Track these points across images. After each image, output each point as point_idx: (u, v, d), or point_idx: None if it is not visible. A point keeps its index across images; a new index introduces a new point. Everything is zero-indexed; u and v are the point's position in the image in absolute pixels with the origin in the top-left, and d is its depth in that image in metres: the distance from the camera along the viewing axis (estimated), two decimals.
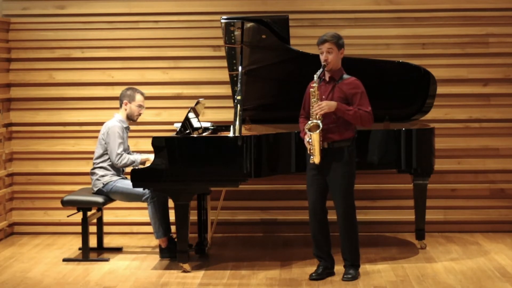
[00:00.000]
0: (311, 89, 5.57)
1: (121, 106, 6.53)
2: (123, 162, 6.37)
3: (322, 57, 5.61)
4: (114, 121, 6.48)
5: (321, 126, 5.48)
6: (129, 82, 7.13)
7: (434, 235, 7.08)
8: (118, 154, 6.36)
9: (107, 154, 6.44)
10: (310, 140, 5.52)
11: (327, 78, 5.65)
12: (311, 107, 5.56)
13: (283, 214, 7.30)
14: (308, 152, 5.56)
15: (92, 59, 7.30)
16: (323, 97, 5.59)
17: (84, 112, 7.31)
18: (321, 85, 5.65)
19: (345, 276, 5.68)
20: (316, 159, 5.53)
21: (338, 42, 5.62)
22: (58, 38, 7.30)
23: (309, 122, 5.53)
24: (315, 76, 5.56)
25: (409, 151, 6.33)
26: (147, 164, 6.08)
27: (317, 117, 5.52)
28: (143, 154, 6.47)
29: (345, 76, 5.66)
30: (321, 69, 5.58)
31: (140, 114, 6.57)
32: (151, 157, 6.27)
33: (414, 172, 6.48)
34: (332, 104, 5.52)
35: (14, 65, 7.34)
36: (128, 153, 6.62)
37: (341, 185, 5.64)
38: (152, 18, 7.26)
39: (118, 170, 6.50)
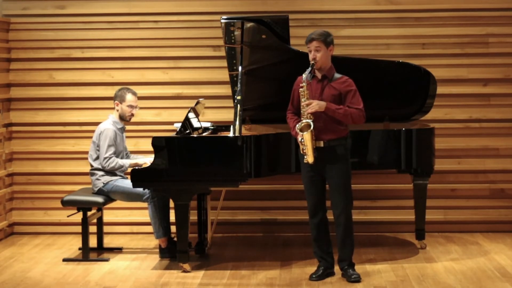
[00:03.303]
0: (300, 89, 5.55)
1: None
2: (111, 165, 6.36)
3: (310, 56, 5.58)
4: (108, 123, 6.47)
5: (312, 125, 5.47)
6: (129, 82, 7.13)
7: (434, 235, 7.08)
8: (105, 158, 6.35)
9: None
10: (302, 140, 5.52)
11: (319, 77, 5.62)
12: (301, 107, 5.55)
13: (283, 214, 7.30)
14: (301, 152, 5.55)
15: (92, 59, 7.30)
16: (316, 95, 5.57)
17: (84, 112, 7.31)
18: (312, 83, 5.61)
19: (353, 277, 5.64)
20: (309, 158, 5.52)
21: (326, 40, 5.57)
22: (58, 38, 7.30)
23: (300, 122, 5.52)
24: (304, 75, 5.54)
25: (409, 151, 6.33)
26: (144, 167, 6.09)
27: (308, 116, 5.51)
28: (139, 159, 6.44)
29: (337, 75, 5.64)
30: (309, 68, 5.55)
31: (132, 114, 6.55)
32: (141, 161, 6.30)
33: (414, 172, 6.48)
34: (322, 103, 5.50)
35: (14, 65, 7.34)
36: (126, 154, 6.63)
37: (341, 182, 5.64)
38: (152, 18, 7.27)
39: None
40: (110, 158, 6.35)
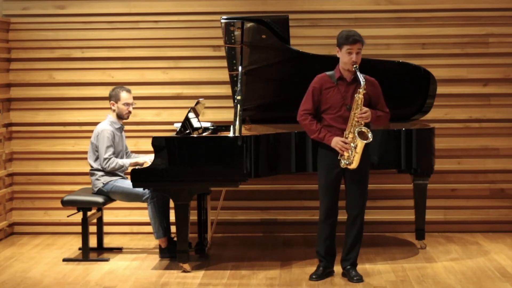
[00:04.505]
0: (357, 95, 5.43)
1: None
2: (111, 166, 6.35)
3: (349, 58, 5.46)
4: (106, 124, 6.47)
5: (370, 136, 5.42)
6: (129, 82, 7.13)
7: (434, 235, 7.08)
8: (105, 158, 6.35)
9: None
10: (355, 147, 5.46)
11: (348, 79, 5.55)
12: (353, 114, 5.45)
13: (283, 214, 7.30)
14: (350, 159, 5.46)
15: (92, 59, 7.30)
16: (347, 97, 5.50)
17: (84, 112, 7.31)
18: (340, 86, 5.55)
19: (355, 278, 5.64)
20: (355, 165, 5.48)
21: (364, 42, 5.55)
22: (58, 38, 7.30)
23: (358, 129, 5.43)
24: (362, 81, 5.39)
25: (409, 151, 6.33)
26: (144, 166, 6.08)
27: (361, 123, 5.45)
28: (139, 158, 6.44)
29: (360, 74, 5.56)
30: (360, 76, 5.41)
31: (129, 112, 6.54)
32: (141, 160, 6.30)
33: (414, 172, 6.48)
34: (370, 113, 5.49)
35: (14, 65, 7.34)
36: (126, 153, 6.63)
37: (363, 183, 5.66)
38: (152, 18, 7.27)
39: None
40: (110, 159, 6.35)
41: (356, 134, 5.43)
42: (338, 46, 5.54)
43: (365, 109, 5.47)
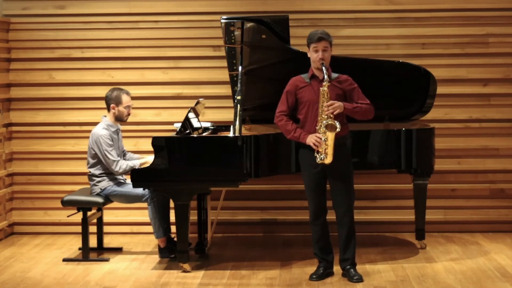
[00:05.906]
0: (322, 88, 5.49)
1: (108, 109, 6.50)
2: (123, 168, 6.31)
3: (316, 55, 5.54)
4: (101, 128, 6.40)
5: (338, 126, 5.44)
6: (129, 82, 7.14)
7: (434, 235, 7.08)
8: (114, 161, 6.31)
9: (99, 161, 6.38)
10: (325, 140, 5.48)
11: (320, 77, 5.60)
12: (320, 107, 5.51)
13: (283, 214, 7.30)
14: (322, 153, 5.49)
15: (92, 59, 7.30)
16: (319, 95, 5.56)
17: (84, 112, 7.31)
18: (313, 84, 5.60)
19: (355, 278, 5.64)
20: (329, 158, 5.48)
21: (331, 40, 5.59)
22: (58, 38, 7.30)
23: (325, 121, 5.46)
24: (325, 76, 5.46)
25: (409, 151, 6.33)
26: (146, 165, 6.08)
27: (329, 116, 5.46)
28: (147, 158, 6.41)
29: (334, 74, 5.64)
30: (324, 69, 5.49)
31: (129, 114, 6.53)
32: (149, 159, 6.28)
33: (414, 172, 6.48)
34: (341, 104, 5.51)
35: (14, 65, 7.34)
36: (123, 154, 6.61)
37: (346, 180, 5.65)
38: (152, 18, 7.27)
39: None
40: (118, 161, 6.31)
41: (323, 127, 5.47)
42: (307, 46, 5.62)
43: (333, 102, 5.48)
